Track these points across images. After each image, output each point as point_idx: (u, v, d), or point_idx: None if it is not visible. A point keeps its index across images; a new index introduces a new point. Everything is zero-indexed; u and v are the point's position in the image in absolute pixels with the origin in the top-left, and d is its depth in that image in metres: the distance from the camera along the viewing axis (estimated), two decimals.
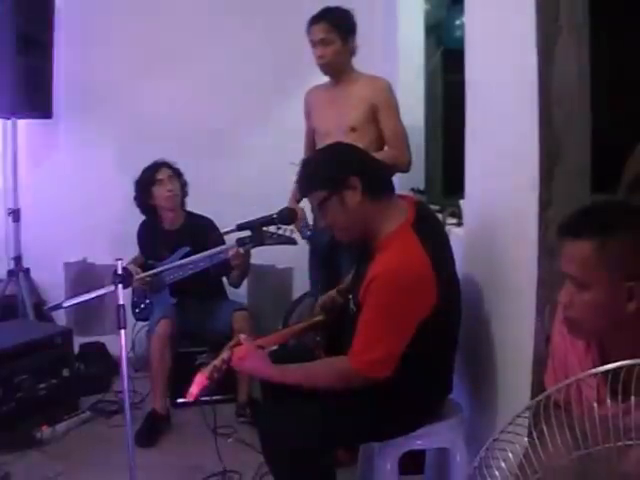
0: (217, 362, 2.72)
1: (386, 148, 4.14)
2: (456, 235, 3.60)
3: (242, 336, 2.90)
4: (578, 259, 1.83)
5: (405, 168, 4.18)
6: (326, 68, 4.16)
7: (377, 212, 2.75)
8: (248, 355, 2.78)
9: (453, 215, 3.99)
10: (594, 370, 0.92)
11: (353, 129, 4.03)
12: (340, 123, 4.06)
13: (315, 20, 4.10)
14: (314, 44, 4.10)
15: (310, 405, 2.70)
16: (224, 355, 2.75)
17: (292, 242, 3.80)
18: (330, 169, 2.78)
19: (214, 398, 3.99)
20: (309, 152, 4.33)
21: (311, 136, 4.38)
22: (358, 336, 2.66)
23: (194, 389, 2.67)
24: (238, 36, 5.63)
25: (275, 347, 3.03)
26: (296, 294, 5.57)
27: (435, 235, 2.85)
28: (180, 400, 4.66)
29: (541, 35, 2.48)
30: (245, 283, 5.10)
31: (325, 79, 4.30)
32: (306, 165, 2.95)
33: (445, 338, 2.82)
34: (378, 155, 3.87)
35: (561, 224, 1.96)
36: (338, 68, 4.16)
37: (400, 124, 4.16)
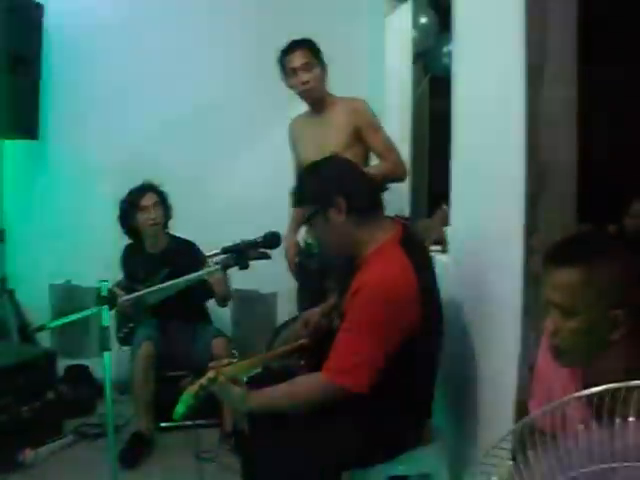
0: (203, 381, 2.70)
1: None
2: (441, 262, 3.62)
3: (224, 361, 2.87)
4: (564, 287, 1.84)
5: (403, 177, 4.24)
6: (309, 94, 4.17)
7: (362, 231, 2.76)
8: (227, 385, 2.74)
9: (438, 242, 4.00)
10: (579, 393, 0.93)
11: (340, 153, 3.97)
12: (324, 150, 3.95)
13: (294, 47, 4.12)
14: (294, 71, 4.11)
15: (293, 435, 2.68)
16: (210, 374, 2.73)
17: (266, 257, 3.79)
18: (318, 186, 2.80)
19: (198, 422, 3.97)
20: None
21: (300, 167, 4.28)
22: (335, 346, 2.66)
23: (180, 408, 2.66)
24: (227, 59, 5.67)
25: (258, 370, 3.01)
26: (280, 319, 5.54)
27: (421, 255, 2.86)
28: (164, 424, 4.64)
29: (529, 63, 2.51)
30: (229, 308, 5.09)
31: (304, 108, 4.33)
32: (300, 178, 2.98)
33: (427, 358, 2.82)
34: (376, 168, 3.98)
35: (547, 252, 1.97)
36: (319, 94, 4.18)
37: (387, 137, 4.18)
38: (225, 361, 2.83)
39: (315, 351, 3.07)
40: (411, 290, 2.62)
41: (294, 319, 4.69)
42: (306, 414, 2.65)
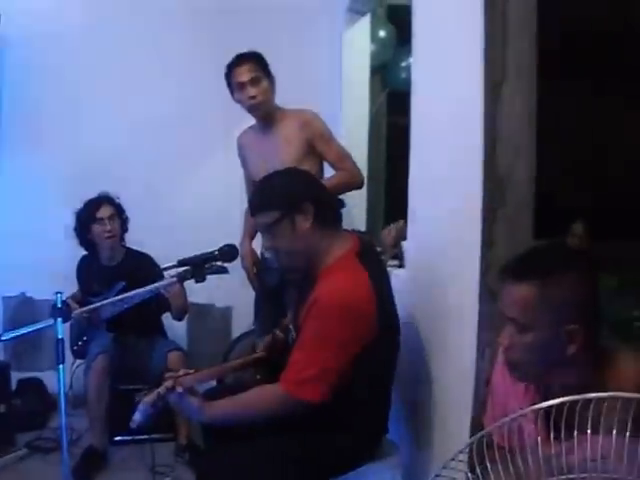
0: (161, 390, 2.68)
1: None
2: (397, 277, 3.63)
3: (181, 371, 2.84)
4: (520, 302, 1.85)
5: (360, 185, 4.19)
6: (258, 107, 4.08)
7: (323, 241, 2.77)
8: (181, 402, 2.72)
9: (395, 257, 4.01)
10: (536, 406, 0.94)
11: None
12: (275, 165, 3.63)
13: (240, 61, 4.05)
14: (242, 85, 4.03)
15: (247, 448, 2.66)
16: (167, 383, 2.70)
17: (224, 271, 3.76)
18: (286, 191, 2.79)
19: (152, 436, 3.92)
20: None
21: (250, 182, 4.25)
22: (292, 357, 2.65)
23: (137, 416, 2.62)
24: (180, 73, 5.66)
25: (213, 384, 2.99)
26: (235, 333, 5.55)
27: (378, 268, 2.87)
28: (118, 438, 4.59)
29: (488, 79, 2.53)
30: (184, 322, 5.06)
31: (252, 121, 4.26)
32: (263, 184, 2.93)
33: (383, 372, 2.82)
34: (333, 178, 3.95)
35: (503, 267, 1.98)
36: (268, 108, 4.11)
37: (340, 146, 4.14)
38: (182, 371, 2.81)
39: (271, 364, 3.06)
40: (368, 303, 2.63)
41: (249, 333, 4.69)
42: (262, 426, 2.64)
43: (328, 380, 2.59)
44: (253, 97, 4.03)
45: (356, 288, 2.64)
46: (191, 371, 2.84)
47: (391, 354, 2.86)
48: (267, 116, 4.15)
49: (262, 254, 4.21)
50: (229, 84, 4.12)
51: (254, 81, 4.02)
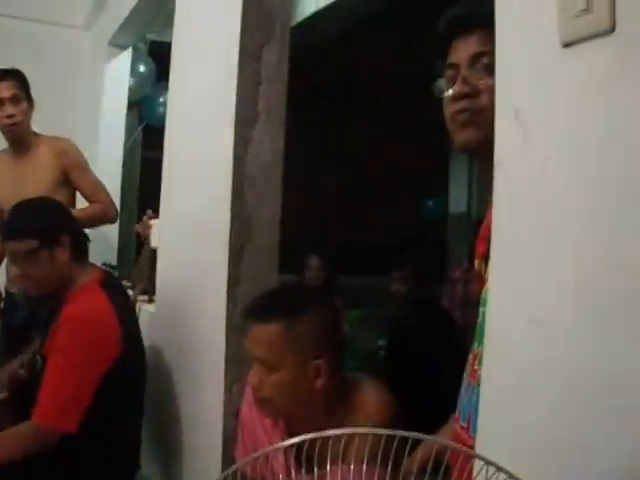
0: None
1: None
2: (147, 312, 3.59)
3: None
4: (265, 342, 1.88)
5: (113, 219, 4.10)
6: (14, 129, 3.82)
7: (73, 272, 2.77)
8: None
9: (145, 292, 3.96)
10: (279, 444, 0.96)
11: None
12: (28, 191, 3.48)
13: (2, 76, 3.77)
14: (0, 102, 3.75)
15: None
16: None
17: None
18: (46, 221, 2.76)
19: None
20: None
21: None
22: (42, 388, 2.57)
23: None
24: None
25: None
26: None
27: (121, 297, 2.91)
28: None
29: (240, 117, 2.58)
30: None
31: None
32: (20, 210, 2.83)
33: (129, 398, 2.79)
34: (87, 209, 3.83)
35: (247, 308, 2.02)
36: (25, 131, 3.88)
37: (95, 178, 4.00)
38: None
39: (17, 404, 2.93)
40: (111, 325, 2.66)
41: None
42: (17, 466, 2.49)
43: (79, 405, 2.53)
44: (11, 116, 3.76)
45: (98, 311, 2.68)
46: None
47: (139, 378, 2.87)
48: (21, 140, 3.90)
49: (6, 289, 3.94)
50: None
51: (14, 99, 3.76)
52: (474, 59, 1.40)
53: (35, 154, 3.92)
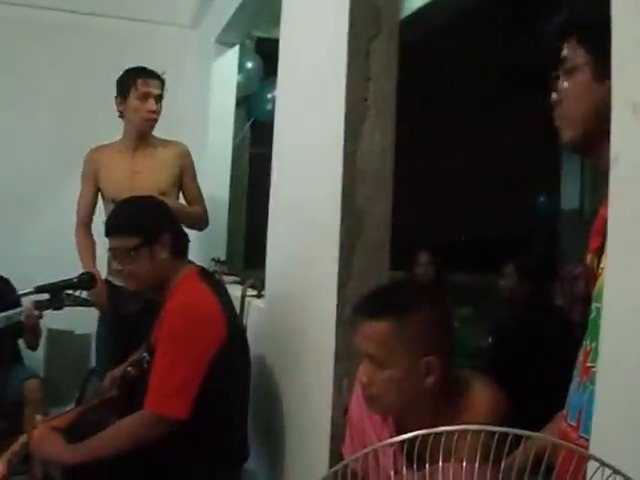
0: (15, 447, 2.59)
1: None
2: (256, 307, 3.62)
3: (38, 417, 2.78)
4: (375, 339, 1.86)
5: (204, 228, 4.20)
6: (151, 125, 3.97)
7: (172, 270, 2.83)
8: (44, 440, 2.64)
9: (253, 287, 3.99)
10: (391, 440, 0.94)
11: (163, 193, 3.80)
12: (145, 186, 3.73)
13: (152, 75, 3.92)
14: (148, 96, 3.88)
15: None
16: (22, 439, 2.61)
17: (89, 304, 3.64)
18: (148, 219, 2.83)
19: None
20: (87, 216, 4.02)
21: (91, 199, 4.04)
22: (152, 377, 2.64)
23: None
24: (39, 92, 5.49)
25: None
26: (94, 361, 5.38)
27: (218, 285, 3.01)
28: None
29: (349, 113, 2.56)
30: (41, 348, 4.87)
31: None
32: (125, 207, 2.95)
33: (235, 384, 2.82)
34: (188, 207, 4.00)
35: (357, 305, 2.00)
36: (152, 130, 4.02)
37: (199, 187, 4.16)
38: (39, 417, 2.77)
39: (126, 402, 3.00)
40: (215, 311, 2.73)
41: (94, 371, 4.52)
42: (130, 454, 2.56)
43: (189, 390, 2.59)
44: (153, 112, 3.92)
45: (201, 298, 2.76)
46: (46, 420, 2.78)
47: (244, 358, 2.91)
48: (146, 137, 4.02)
49: (109, 281, 3.94)
50: (126, 88, 3.92)
51: (158, 98, 3.93)
52: (561, 63, 1.47)
53: (154, 152, 4.03)
